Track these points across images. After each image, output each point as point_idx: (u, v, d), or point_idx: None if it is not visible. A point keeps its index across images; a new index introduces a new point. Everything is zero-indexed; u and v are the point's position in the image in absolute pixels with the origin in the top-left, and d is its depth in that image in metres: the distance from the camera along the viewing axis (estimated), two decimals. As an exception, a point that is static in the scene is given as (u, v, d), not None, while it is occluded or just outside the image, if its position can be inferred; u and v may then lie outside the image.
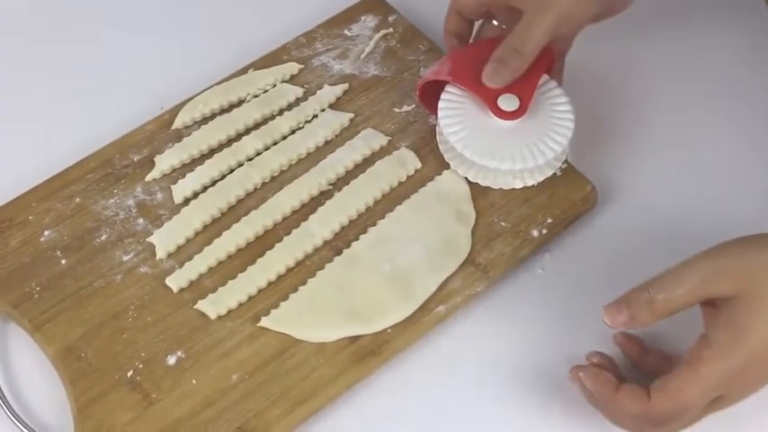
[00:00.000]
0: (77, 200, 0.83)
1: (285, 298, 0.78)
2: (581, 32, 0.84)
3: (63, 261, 0.80)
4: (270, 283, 0.79)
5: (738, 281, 0.68)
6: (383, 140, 0.86)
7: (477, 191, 0.83)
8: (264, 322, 0.77)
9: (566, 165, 0.85)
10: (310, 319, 0.77)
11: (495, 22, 0.85)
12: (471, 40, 0.86)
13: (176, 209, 0.82)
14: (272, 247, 0.81)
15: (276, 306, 0.78)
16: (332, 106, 0.88)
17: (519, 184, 0.83)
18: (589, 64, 0.92)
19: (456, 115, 0.82)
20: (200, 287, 0.79)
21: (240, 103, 0.88)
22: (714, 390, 0.68)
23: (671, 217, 0.82)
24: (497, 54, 0.80)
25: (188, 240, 0.81)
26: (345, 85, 0.89)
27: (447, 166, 0.84)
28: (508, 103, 0.81)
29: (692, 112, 0.90)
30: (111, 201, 0.83)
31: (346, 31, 0.92)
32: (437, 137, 0.85)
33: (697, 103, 0.91)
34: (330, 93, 0.89)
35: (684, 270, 0.69)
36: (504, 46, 0.80)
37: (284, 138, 0.86)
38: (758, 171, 0.87)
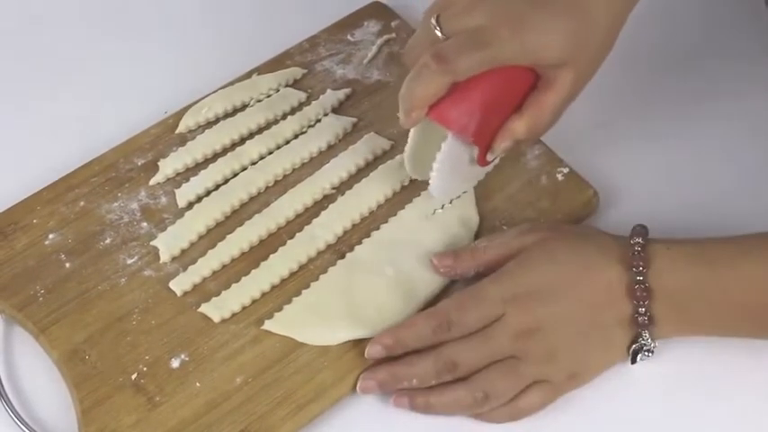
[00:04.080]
0: (82, 203, 0.83)
1: (288, 301, 0.79)
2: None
3: (67, 264, 0.80)
4: (273, 287, 0.79)
5: (547, 230, 0.78)
6: (386, 145, 0.86)
7: (481, 195, 0.83)
8: (268, 325, 0.77)
9: (567, 170, 0.85)
10: (313, 322, 0.78)
11: None
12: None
13: (180, 213, 0.83)
14: (275, 250, 0.81)
15: (279, 309, 0.78)
16: (335, 111, 0.89)
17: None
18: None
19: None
20: (204, 290, 0.79)
21: (244, 107, 0.88)
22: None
23: (672, 221, 0.82)
24: (513, 135, 0.76)
25: (192, 244, 0.81)
26: (348, 90, 0.90)
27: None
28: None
29: (693, 116, 0.90)
30: (116, 204, 0.83)
31: (349, 37, 0.93)
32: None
33: (698, 106, 0.91)
34: (333, 97, 0.89)
35: (508, 229, 0.80)
36: (519, 127, 0.76)
37: (287, 142, 0.87)
38: (760, 174, 0.87)
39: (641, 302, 0.74)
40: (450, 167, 0.78)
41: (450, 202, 0.83)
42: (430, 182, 0.79)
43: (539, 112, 0.75)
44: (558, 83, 0.74)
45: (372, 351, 0.76)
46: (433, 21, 0.74)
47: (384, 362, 0.76)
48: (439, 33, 0.74)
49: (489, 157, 0.77)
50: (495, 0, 0.73)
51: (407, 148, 0.80)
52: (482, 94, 0.74)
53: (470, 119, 0.75)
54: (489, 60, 0.73)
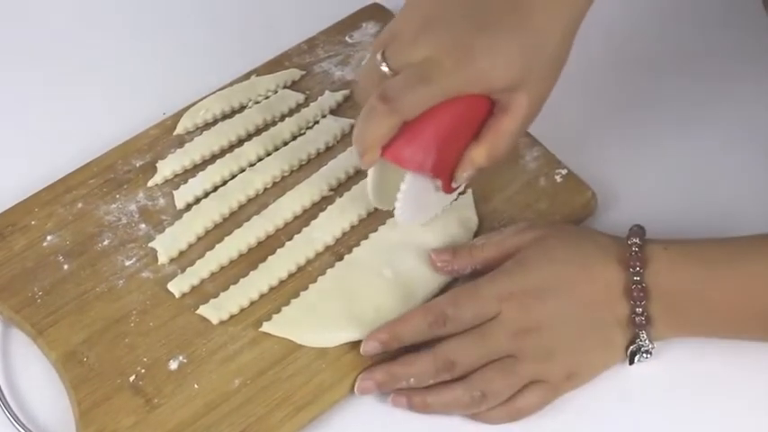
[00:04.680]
0: (80, 205, 0.83)
1: (287, 303, 0.78)
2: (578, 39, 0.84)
3: (65, 266, 0.80)
4: (272, 288, 0.79)
5: (544, 229, 0.78)
6: (384, 146, 0.86)
7: (480, 197, 0.83)
8: (266, 327, 0.77)
9: (566, 171, 0.85)
10: (312, 324, 0.77)
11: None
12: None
13: (178, 214, 0.83)
14: (273, 252, 0.81)
15: (278, 311, 0.78)
16: (333, 112, 0.89)
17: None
18: (587, 69, 0.92)
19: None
20: (202, 292, 0.79)
21: (242, 108, 0.88)
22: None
23: (670, 222, 0.82)
24: (473, 164, 0.75)
25: (190, 245, 0.81)
26: (347, 92, 0.89)
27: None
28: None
29: (692, 117, 0.90)
30: (114, 206, 0.83)
31: (347, 38, 0.93)
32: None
33: (696, 108, 0.91)
34: (331, 99, 0.89)
35: (505, 227, 0.80)
36: (478, 153, 0.75)
37: (286, 143, 0.86)
38: (758, 176, 0.87)
39: (638, 302, 0.74)
40: (414, 197, 0.76)
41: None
42: (395, 212, 0.77)
43: (497, 138, 0.74)
44: (513, 107, 0.73)
45: (368, 347, 0.75)
46: (379, 56, 0.72)
47: (381, 362, 0.76)
48: (385, 69, 0.72)
49: (454, 185, 0.76)
50: (439, 29, 0.72)
51: (370, 178, 0.78)
52: (436, 127, 0.73)
53: (426, 155, 0.73)
54: (436, 95, 0.71)
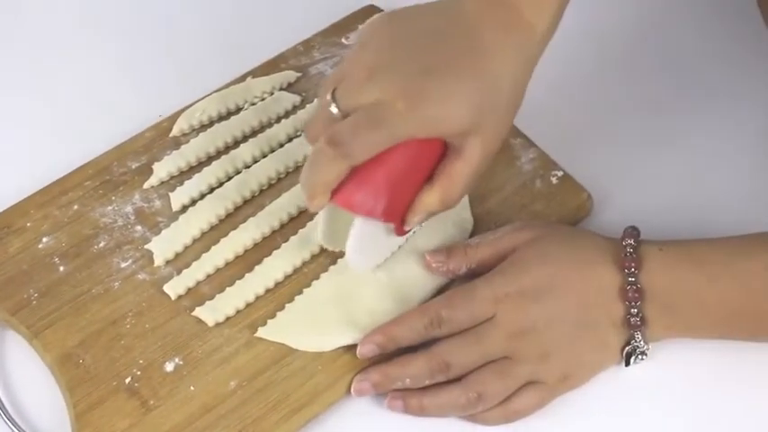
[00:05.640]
0: (75, 207, 0.83)
1: (282, 307, 0.78)
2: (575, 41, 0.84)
3: (61, 268, 0.80)
4: (267, 291, 0.79)
5: (539, 229, 0.78)
6: (380, 148, 0.86)
7: (475, 198, 0.83)
8: (261, 332, 0.77)
9: (561, 173, 0.85)
10: (307, 329, 0.77)
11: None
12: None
13: (174, 216, 0.83)
14: (269, 254, 0.81)
15: (273, 316, 0.78)
16: (329, 114, 0.89)
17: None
18: (582, 71, 0.92)
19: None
20: (198, 294, 0.79)
21: (238, 110, 0.88)
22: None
23: (665, 223, 0.82)
24: (426, 208, 0.74)
25: (186, 247, 0.81)
26: (343, 93, 0.89)
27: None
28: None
29: (687, 119, 0.90)
30: (110, 208, 0.83)
31: (344, 40, 0.93)
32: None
33: (691, 109, 0.91)
34: (327, 101, 0.89)
35: (500, 227, 0.79)
36: (430, 199, 0.73)
37: (281, 145, 0.86)
38: (752, 177, 0.87)
39: (633, 303, 0.74)
40: (366, 240, 0.75)
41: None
42: (346, 255, 0.75)
43: (450, 182, 0.72)
44: (467, 151, 0.71)
45: (365, 350, 0.75)
46: (329, 96, 0.71)
47: (377, 363, 0.76)
48: (335, 110, 0.70)
49: (406, 228, 0.74)
50: (391, 70, 0.70)
51: (320, 218, 0.77)
52: (387, 171, 0.71)
53: (377, 200, 0.71)
54: (387, 140, 0.69)
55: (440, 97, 0.70)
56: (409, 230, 0.75)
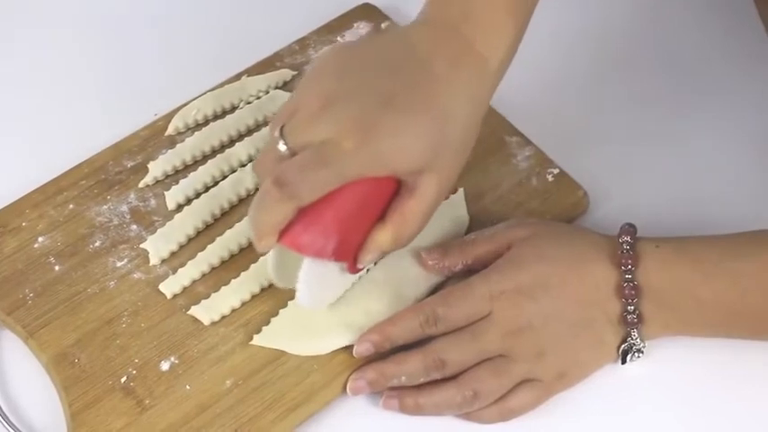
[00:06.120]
0: (71, 206, 0.83)
1: (276, 312, 0.78)
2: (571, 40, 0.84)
3: (56, 267, 0.80)
4: (263, 290, 0.79)
5: (536, 226, 0.78)
6: (376, 146, 0.86)
7: (471, 195, 0.83)
8: (256, 340, 0.77)
9: (558, 171, 0.85)
10: (302, 333, 0.77)
11: None
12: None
13: (170, 215, 0.82)
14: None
15: (268, 318, 0.78)
16: (325, 112, 0.88)
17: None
18: (579, 69, 0.92)
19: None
20: (194, 293, 0.79)
21: (233, 109, 0.88)
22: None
23: (661, 221, 0.82)
24: (379, 247, 0.72)
25: (181, 246, 0.81)
26: (338, 92, 0.89)
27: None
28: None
29: (683, 116, 0.90)
30: (105, 207, 0.83)
31: (339, 38, 0.93)
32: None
33: (687, 107, 0.91)
34: (323, 99, 0.89)
35: (497, 224, 0.79)
36: (383, 236, 0.72)
37: (277, 144, 0.86)
38: (749, 174, 0.87)
39: (630, 301, 0.74)
40: (317, 278, 0.72)
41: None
42: (297, 294, 0.73)
43: (404, 221, 0.70)
44: (421, 189, 0.69)
45: (361, 349, 0.75)
46: (277, 133, 0.69)
47: (373, 361, 0.76)
48: (283, 148, 0.68)
49: (359, 266, 0.72)
50: (340, 106, 0.68)
51: (269, 256, 0.74)
52: (337, 211, 0.69)
53: (327, 240, 0.69)
54: (335, 180, 0.68)
55: (393, 134, 0.68)
56: (363, 268, 0.73)
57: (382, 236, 0.71)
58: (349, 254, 0.71)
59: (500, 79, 0.73)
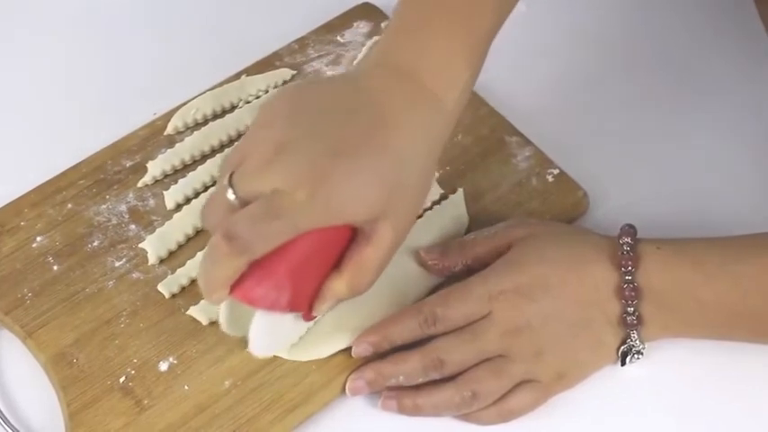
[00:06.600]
0: (69, 206, 0.83)
1: None
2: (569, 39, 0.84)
3: (55, 267, 0.80)
4: (262, 289, 0.79)
5: (535, 226, 0.78)
6: (375, 146, 0.86)
7: (471, 196, 0.83)
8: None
9: (557, 171, 0.85)
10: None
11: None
12: None
13: (168, 215, 0.82)
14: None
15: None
16: (324, 112, 0.88)
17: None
18: (578, 70, 0.92)
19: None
20: (193, 293, 0.79)
21: (232, 108, 0.88)
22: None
23: (661, 222, 0.82)
24: (335, 296, 0.70)
25: (180, 246, 0.81)
26: (338, 91, 0.89)
27: (439, 170, 0.84)
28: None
29: (682, 117, 0.90)
30: (104, 206, 0.83)
31: (339, 38, 0.93)
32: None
33: (687, 107, 0.91)
34: (322, 98, 0.89)
35: (496, 224, 0.79)
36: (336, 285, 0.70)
37: (276, 143, 0.86)
38: (749, 175, 0.87)
39: (630, 302, 0.74)
40: (270, 328, 0.70)
41: (431, 209, 0.82)
42: (249, 343, 0.71)
43: (360, 269, 0.68)
44: (377, 237, 0.67)
45: (359, 349, 0.75)
46: (226, 181, 0.66)
47: (371, 361, 0.76)
48: (232, 197, 0.65)
49: (314, 314, 0.71)
50: (291, 155, 0.65)
51: (221, 305, 0.71)
52: (290, 262, 0.66)
53: (280, 292, 0.67)
54: (288, 232, 0.65)
55: (344, 185, 0.65)
56: (318, 316, 0.72)
57: (338, 285, 0.69)
58: (304, 304, 0.69)
59: (457, 118, 0.71)
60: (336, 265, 0.69)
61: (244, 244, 0.64)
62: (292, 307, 0.69)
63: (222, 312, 0.71)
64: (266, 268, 0.66)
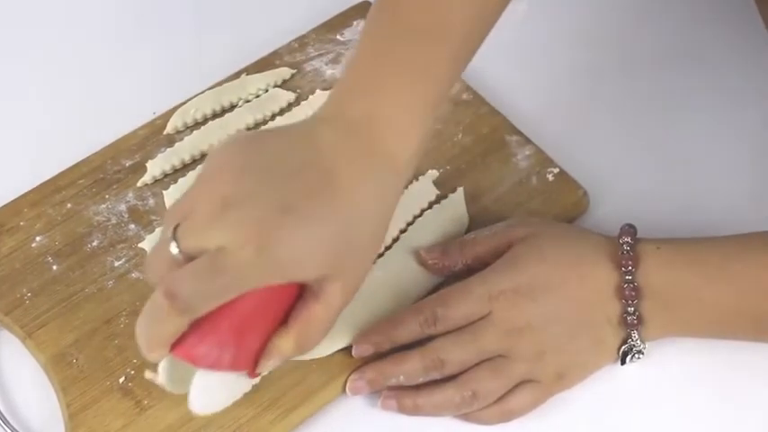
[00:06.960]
0: (69, 205, 0.83)
1: None
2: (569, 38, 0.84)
3: (54, 267, 0.80)
4: (262, 289, 0.79)
5: (535, 226, 0.78)
6: (375, 145, 0.86)
7: (471, 195, 0.83)
8: None
9: (558, 170, 0.85)
10: None
11: None
12: None
13: (168, 214, 0.82)
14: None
15: None
16: (324, 111, 0.88)
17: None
18: (578, 69, 0.92)
19: None
20: (192, 293, 0.79)
21: (232, 107, 0.88)
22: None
23: (661, 221, 0.82)
24: (281, 354, 0.68)
25: (180, 246, 0.81)
26: (338, 90, 0.89)
27: (439, 170, 0.84)
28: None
29: (682, 116, 0.90)
30: (103, 206, 0.83)
31: (339, 36, 0.92)
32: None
33: (687, 106, 0.91)
34: (322, 98, 0.88)
35: (496, 224, 0.79)
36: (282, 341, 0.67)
37: (276, 143, 0.86)
38: (749, 174, 0.87)
39: (630, 302, 0.74)
40: (212, 386, 0.68)
41: (430, 207, 0.82)
42: (190, 399, 0.67)
43: (307, 327, 0.66)
44: (325, 295, 0.65)
45: (360, 349, 0.75)
46: (169, 233, 0.63)
47: (372, 361, 0.75)
48: (175, 251, 0.63)
49: (258, 372, 0.68)
50: (238, 210, 0.63)
51: (161, 362, 0.68)
52: (234, 320, 0.64)
53: (222, 351, 0.64)
54: (232, 290, 0.62)
55: (292, 243, 0.63)
56: (262, 374, 0.69)
57: (285, 343, 0.67)
58: (248, 362, 0.67)
59: (411, 173, 0.70)
60: (283, 321, 0.67)
61: (186, 303, 0.62)
62: (235, 366, 0.66)
63: (162, 369, 0.67)
64: (209, 326, 0.64)
